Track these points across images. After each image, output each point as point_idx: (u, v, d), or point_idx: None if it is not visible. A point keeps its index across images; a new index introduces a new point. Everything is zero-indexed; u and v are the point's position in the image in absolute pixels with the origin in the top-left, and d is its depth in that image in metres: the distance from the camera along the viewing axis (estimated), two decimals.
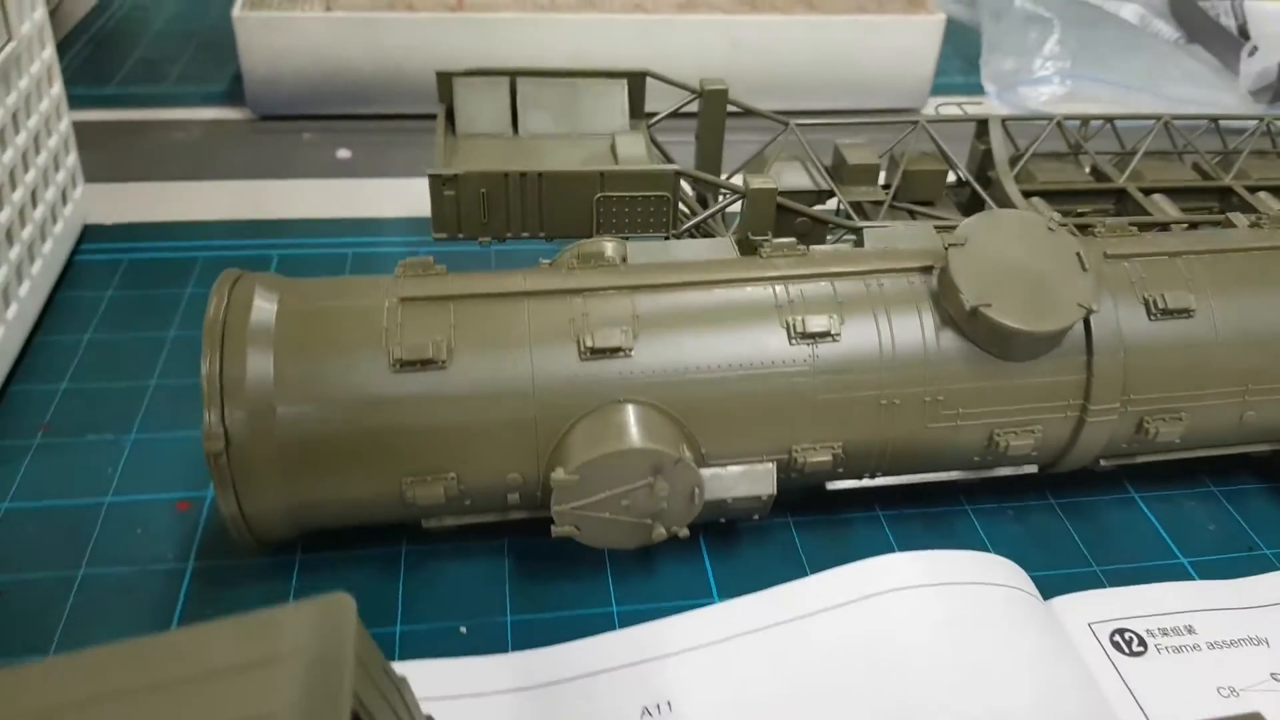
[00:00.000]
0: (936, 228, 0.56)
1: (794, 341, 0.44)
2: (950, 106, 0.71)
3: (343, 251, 0.69)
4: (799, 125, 0.68)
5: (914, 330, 0.45)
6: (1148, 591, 0.48)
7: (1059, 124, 0.71)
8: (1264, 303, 0.48)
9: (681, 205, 0.59)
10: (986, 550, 0.50)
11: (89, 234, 0.70)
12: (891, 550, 0.50)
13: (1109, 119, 0.72)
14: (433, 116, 0.86)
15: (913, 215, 0.69)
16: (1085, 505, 0.53)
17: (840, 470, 0.47)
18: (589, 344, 0.43)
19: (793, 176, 0.68)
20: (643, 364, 0.43)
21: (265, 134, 0.84)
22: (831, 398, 0.44)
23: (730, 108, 0.68)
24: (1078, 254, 0.45)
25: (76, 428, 0.54)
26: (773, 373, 0.44)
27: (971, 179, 0.69)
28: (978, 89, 0.96)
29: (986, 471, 0.49)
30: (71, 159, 0.67)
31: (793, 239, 0.48)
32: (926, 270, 0.47)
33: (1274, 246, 0.49)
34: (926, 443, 0.46)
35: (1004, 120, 0.71)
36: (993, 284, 0.44)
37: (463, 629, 0.45)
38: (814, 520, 0.51)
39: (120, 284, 0.65)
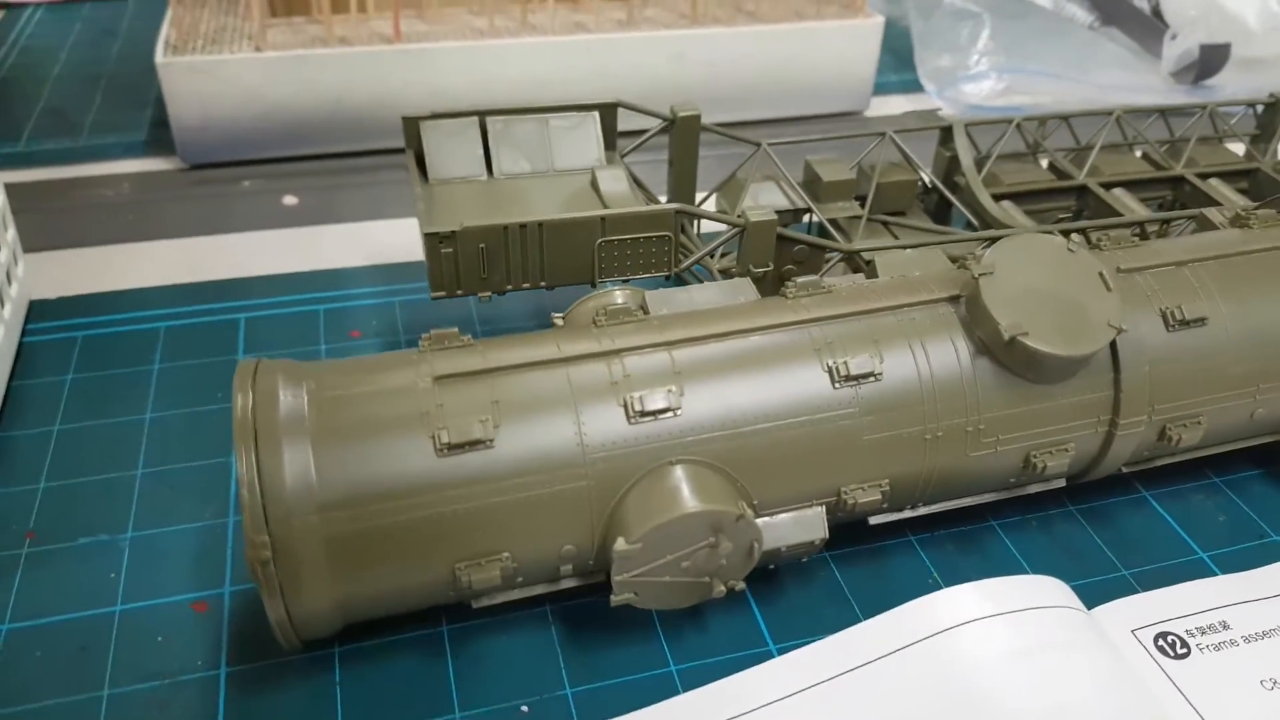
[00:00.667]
0: (941, 244, 0.56)
1: (838, 384, 0.44)
2: (911, 116, 0.72)
3: (313, 309, 0.66)
4: (770, 145, 0.68)
5: (950, 361, 0.45)
6: (1179, 592, 0.49)
7: (1018, 125, 0.72)
8: (1268, 303, 0.49)
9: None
10: (1024, 567, 0.50)
11: (34, 311, 0.65)
12: (931, 576, 0.50)
13: (1065, 117, 0.74)
14: (377, 153, 0.84)
15: (888, 226, 0.69)
16: (1102, 509, 0.54)
17: (885, 505, 0.47)
18: (637, 407, 0.42)
19: (769, 197, 0.68)
20: (691, 422, 0.43)
21: (201, 184, 0.80)
22: (878, 437, 0.44)
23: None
24: (1100, 274, 0.46)
25: (66, 531, 0.51)
26: (820, 418, 0.44)
27: (941, 186, 0.70)
28: (913, 86, 0.98)
29: (1020, 490, 0.50)
30: (11, 234, 0.63)
31: (814, 276, 0.48)
32: (954, 299, 0.47)
33: (1272, 247, 0.51)
34: (968, 471, 0.47)
35: (967, 125, 0.72)
36: (1025, 311, 0.44)
37: (524, 707, 0.44)
38: (851, 553, 0.51)
39: (79, 365, 0.61)
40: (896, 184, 0.70)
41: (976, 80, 0.92)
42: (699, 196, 0.70)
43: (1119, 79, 0.96)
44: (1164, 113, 0.76)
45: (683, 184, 0.68)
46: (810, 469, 0.44)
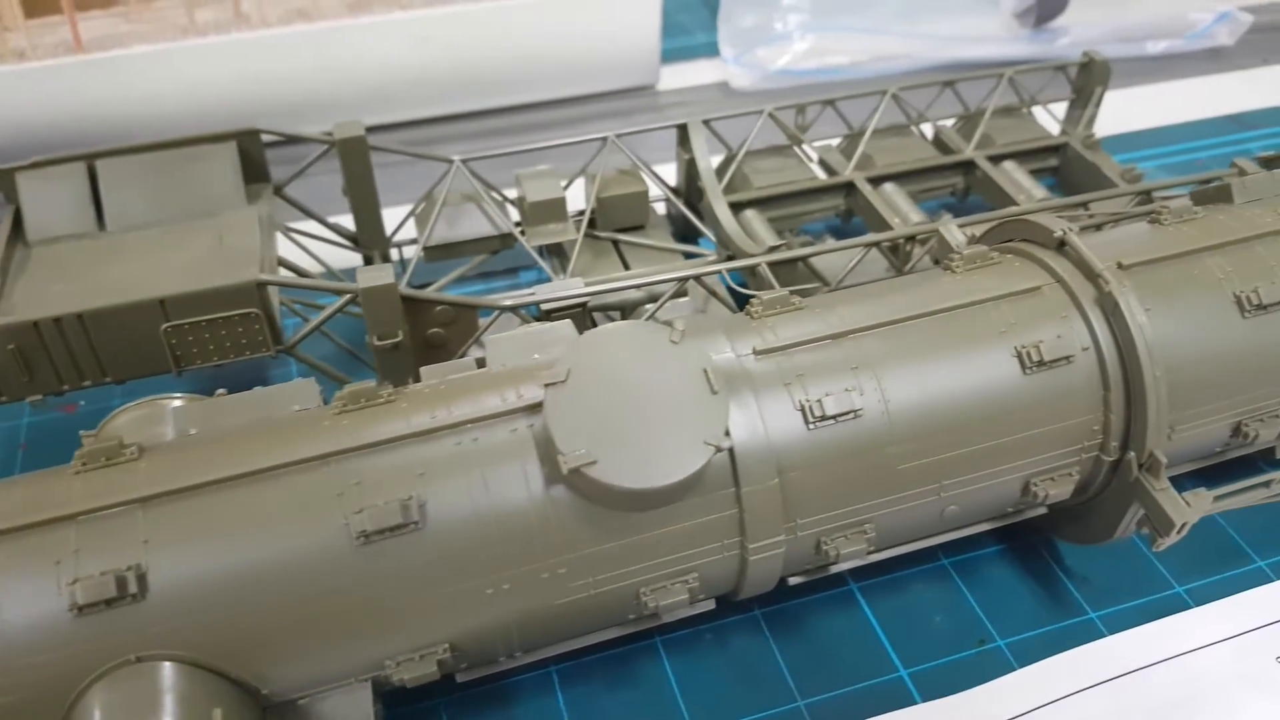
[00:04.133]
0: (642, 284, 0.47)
1: (360, 541, 0.35)
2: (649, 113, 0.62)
3: None
4: (466, 161, 0.58)
5: (519, 495, 0.36)
6: None
7: (771, 115, 0.62)
8: (947, 380, 0.39)
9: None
10: (679, 711, 0.42)
11: None
12: None
13: (828, 102, 0.63)
14: None
15: (618, 247, 0.60)
16: (794, 613, 0.45)
17: (463, 665, 0.38)
18: (78, 599, 0.33)
19: (469, 223, 0.59)
20: (161, 604, 0.34)
21: None
22: (419, 599, 0.35)
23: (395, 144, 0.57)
24: (706, 373, 0.36)
25: None
26: (337, 585, 0.35)
27: (674, 197, 0.60)
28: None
29: (650, 623, 0.41)
30: None
31: (371, 383, 0.39)
32: (535, 409, 0.37)
33: (961, 304, 0.41)
34: (560, 617, 0.38)
35: (707, 121, 0.61)
36: (600, 430, 0.35)
37: None
38: (474, 695, 0.42)
39: None
40: (623, 197, 0.60)
41: (776, 43, 0.81)
42: (396, 218, 0.60)
43: (954, 27, 0.85)
44: (951, 84, 0.65)
45: (364, 210, 0.58)
46: (334, 645, 0.35)
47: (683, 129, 0.61)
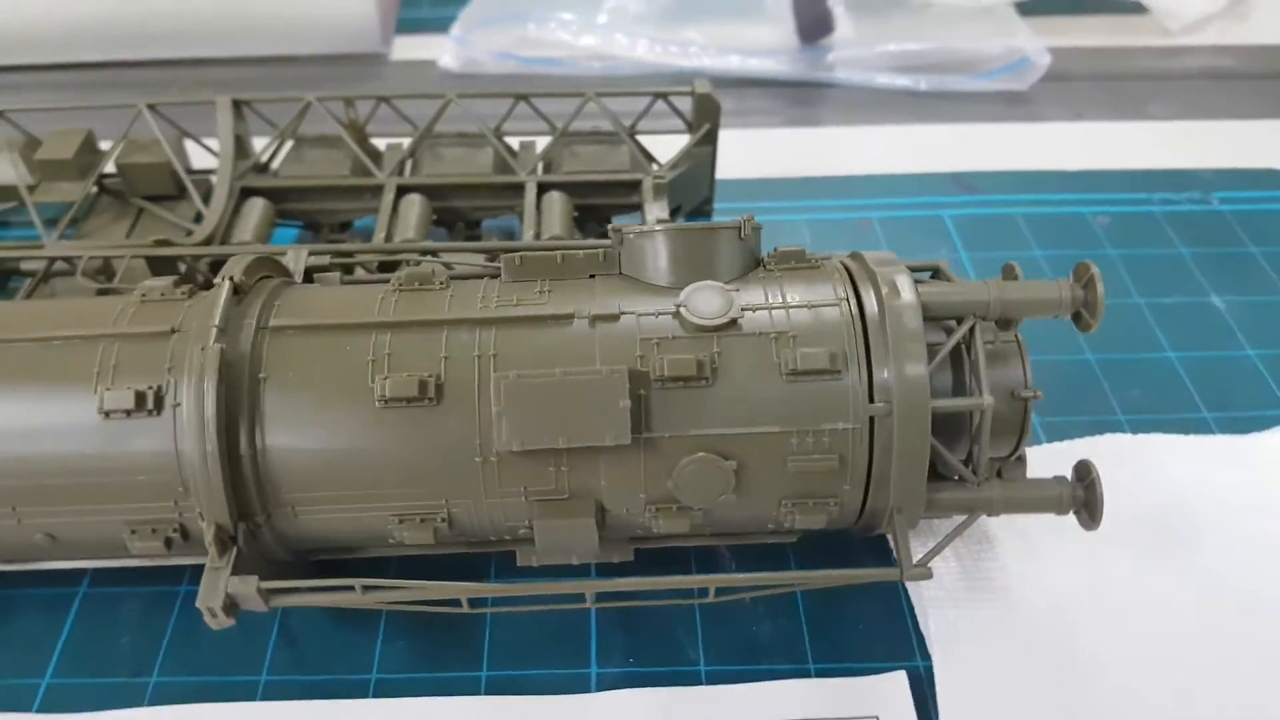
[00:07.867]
0: None
1: None
2: None
3: None
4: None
5: None
6: None
7: (314, 103, 0.60)
8: None
9: None
10: None
11: None
12: None
13: (384, 99, 0.60)
14: None
15: (139, 215, 0.60)
16: None
17: None
18: None
19: None
20: None
21: None
22: None
23: None
24: None
25: None
26: None
27: (184, 174, 0.59)
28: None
29: None
30: None
31: None
32: None
33: None
34: None
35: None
36: None
37: None
38: None
39: None
40: (147, 166, 0.59)
41: (491, 26, 0.76)
42: None
43: (730, 33, 0.77)
44: (525, 98, 0.60)
45: None
46: None
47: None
